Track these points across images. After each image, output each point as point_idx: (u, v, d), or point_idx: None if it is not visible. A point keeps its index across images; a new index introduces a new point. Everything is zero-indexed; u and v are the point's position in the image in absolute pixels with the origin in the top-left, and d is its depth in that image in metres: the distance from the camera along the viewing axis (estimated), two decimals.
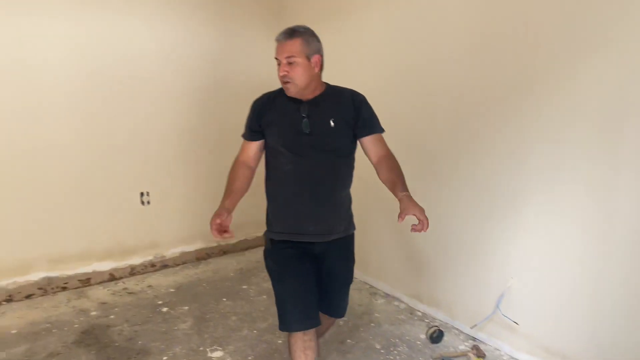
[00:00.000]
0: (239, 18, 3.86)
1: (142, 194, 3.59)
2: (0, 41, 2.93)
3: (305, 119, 1.89)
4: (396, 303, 3.17)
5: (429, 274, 2.96)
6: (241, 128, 2.04)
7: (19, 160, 3.09)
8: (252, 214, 4.12)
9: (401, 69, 2.98)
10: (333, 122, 1.90)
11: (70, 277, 3.40)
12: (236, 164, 2.04)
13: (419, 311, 3.05)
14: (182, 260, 3.86)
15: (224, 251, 4.09)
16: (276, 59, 1.88)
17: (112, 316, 3.01)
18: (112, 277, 3.57)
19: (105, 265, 3.54)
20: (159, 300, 3.23)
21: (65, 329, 2.85)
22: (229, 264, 3.81)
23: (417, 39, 2.84)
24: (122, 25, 3.32)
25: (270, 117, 1.95)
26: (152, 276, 3.64)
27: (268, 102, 1.99)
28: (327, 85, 2.00)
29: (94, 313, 3.05)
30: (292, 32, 1.86)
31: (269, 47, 3.91)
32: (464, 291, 2.76)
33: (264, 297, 3.27)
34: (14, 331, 2.83)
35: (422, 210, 1.75)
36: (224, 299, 3.22)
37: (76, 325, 2.89)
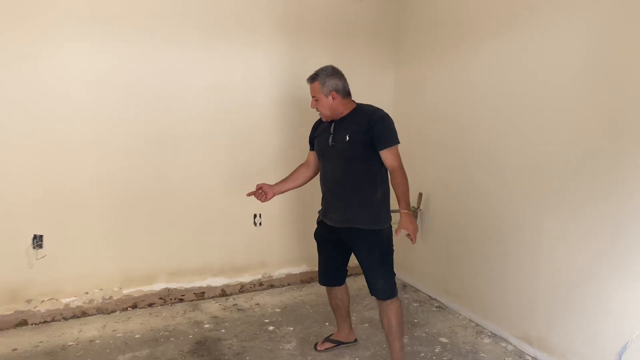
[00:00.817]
0: (356, 51, 3.99)
1: (255, 215, 3.80)
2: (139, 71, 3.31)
3: (331, 135, 2.58)
4: (503, 344, 3.02)
5: (542, 315, 2.79)
6: None
7: (152, 183, 3.45)
8: None
9: (514, 108, 2.89)
10: (348, 136, 2.49)
11: (187, 290, 3.66)
12: (301, 164, 2.89)
13: (528, 355, 2.88)
14: (288, 282, 4.00)
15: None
16: (311, 95, 2.59)
17: (222, 330, 3.19)
18: (224, 292, 3.78)
19: (219, 281, 3.77)
20: (266, 319, 3.36)
21: (182, 338, 3.07)
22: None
23: (533, 75, 2.75)
24: (248, 60, 3.60)
25: (317, 133, 2.75)
26: (259, 295, 3.80)
27: (318, 122, 2.79)
28: (357, 106, 2.62)
29: (207, 326, 3.25)
30: (314, 77, 2.57)
31: (386, 78, 4.10)
32: (580, 338, 2.57)
33: (366, 325, 3.28)
34: (137, 335, 3.10)
35: (415, 230, 2.39)
36: (327, 324, 3.28)
37: (191, 336, 3.10)
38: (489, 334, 3.15)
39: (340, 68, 3.86)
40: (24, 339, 3.04)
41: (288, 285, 4.00)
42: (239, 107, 3.63)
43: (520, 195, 2.89)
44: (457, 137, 3.41)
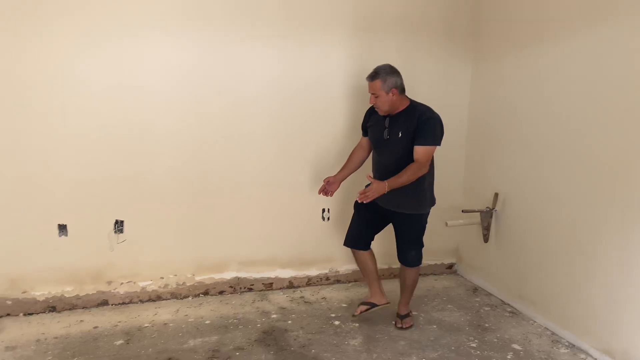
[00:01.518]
0: (431, 47, 3.88)
1: (323, 210, 3.80)
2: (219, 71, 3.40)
3: (386, 129, 2.92)
4: (582, 356, 2.84)
5: (628, 328, 2.59)
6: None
7: (225, 175, 3.55)
8: (425, 241, 4.11)
9: (604, 106, 2.69)
10: (401, 133, 2.85)
11: (256, 280, 3.74)
12: (355, 147, 3.28)
13: None
14: (354, 278, 3.97)
15: (394, 274, 4.10)
16: (370, 92, 2.86)
17: (289, 321, 3.22)
18: (291, 284, 3.83)
19: (286, 273, 3.82)
20: (332, 313, 3.36)
21: (250, 326, 3.13)
22: (399, 288, 3.79)
23: (627, 70, 2.55)
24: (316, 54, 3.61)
25: (370, 122, 3.09)
26: (325, 289, 3.81)
27: (371, 112, 3.10)
28: (411, 103, 2.92)
29: (274, 316, 3.30)
30: (374, 75, 2.83)
31: (462, 76, 3.96)
32: None
33: (434, 326, 3.19)
34: (207, 321, 3.20)
35: (379, 186, 2.76)
36: (394, 322, 3.23)
37: (259, 325, 3.16)
38: (567, 344, 2.97)
39: (413, 65, 3.84)
40: (105, 318, 3.22)
41: (355, 281, 3.97)
42: (310, 102, 3.64)
43: (607, 199, 2.68)
44: (537, 137, 3.23)
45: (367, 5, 3.65)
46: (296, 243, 3.80)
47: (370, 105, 2.98)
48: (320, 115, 3.68)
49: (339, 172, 3.26)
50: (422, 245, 3.12)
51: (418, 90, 3.83)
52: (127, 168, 3.31)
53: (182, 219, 3.50)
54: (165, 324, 3.16)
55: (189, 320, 3.22)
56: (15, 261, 3.19)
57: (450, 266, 4.30)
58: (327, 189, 3.25)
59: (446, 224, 3.71)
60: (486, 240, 3.75)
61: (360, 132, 3.27)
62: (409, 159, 2.83)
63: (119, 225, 3.35)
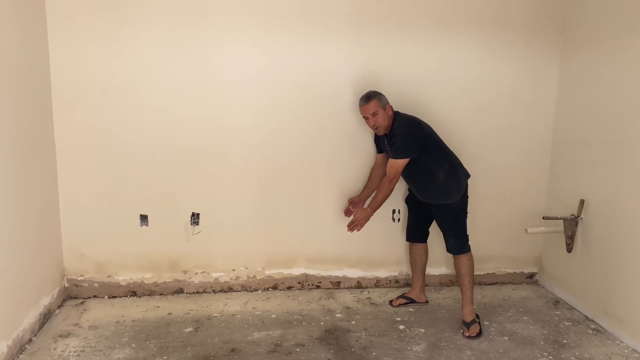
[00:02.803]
0: (514, 42, 3.67)
1: (394, 211, 3.73)
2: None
3: (387, 148, 3.17)
4: None
5: None
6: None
7: (296, 172, 3.60)
8: (503, 247, 3.91)
9: None
10: (389, 148, 3.13)
11: (324, 278, 3.75)
12: (373, 167, 3.55)
13: None
14: (425, 283, 3.85)
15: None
16: (364, 117, 3.11)
17: (353, 322, 3.20)
18: (359, 285, 3.80)
19: (355, 273, 3.79)
20: (398, 317, 3.29)
21: (313, 324, 3.15)
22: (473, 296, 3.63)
23: None
24: (397, 51, 3.54)
25: (380, 142, 3.34)
26: (394, 291, 3.73)
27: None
28: (396, 118, 3.13)
29: (338, 315, 3.29)
30: (368, 97, 3.07)
31: (549, 73, 3.70)
32: None
33: (505, 338, 3.02)
34: (273, 315, 3.26)
35: (362, 214, 3.16)
36: (461, 330, 3.09)
37: (322, 323, 3.16)
38: None
39: (494, 61, 3.65)
40: (179, 305, 3.39)
41: (426, 286, 3.85)
42: None
43: None
44: (630, 139, 2.94)
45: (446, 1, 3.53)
46: (365, 243, 3.76)
47: (370, 126, 3.14)
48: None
49: (362, 192, 3.53)
50: (463, 234, 3.17)
51: (500, 91, 3.69)
52: (204, 164, 3.46)
53: (255, 214, 3.59)
54: (233, 315, 3.26)
55: (256, 313, 3.30)
56: (103, 247, 3.45)
57: (531, 276, 4.04)
58: (352, 209, 3.48)
59: (526, 230, 3.50)
60: (570, 250, 3.48)
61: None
62: (412, 167, 3.06)
63: (195, 218, 3.50)
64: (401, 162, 3.03)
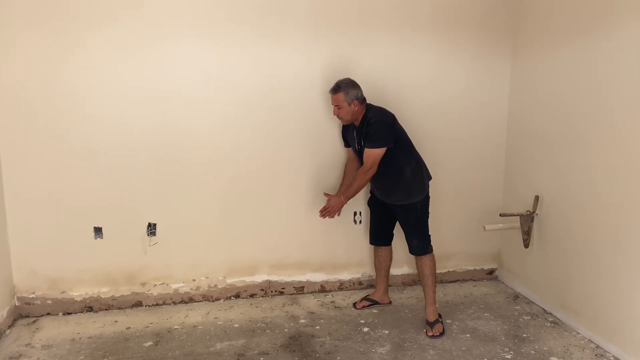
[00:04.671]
0: (466, 42, 3.73)
1: (355, 213, 3.73)
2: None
3: (356, 140, 3.20)
4: None
5: None
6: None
7: (257, 178, 3.54)
8: (463, 245, 3.97)
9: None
10: (363, 142, 3.09)
11: (287, 284, 3.72)
12: (346, 162, 3.54)
13: None
14: (389, 283, 3.86)
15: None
16: (333, 104, 3.12)
17: (317, 327, 3.17)
18: (323, 288, 3.78)
19: (318, 277, 3.77)
20: (362, 320, 3.29)
21: (277, 331, 3.11)
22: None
23: None
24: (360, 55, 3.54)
25: (348, 136, 3.34)
26: (358, 293, 3.73)
27: (346, 126, 3.32)
28: (368, 110, 3.12)
29: (302, 321, 3.26)
30: (337, 88, 3.06)
31: (501, 72, 3.78)
32: None
33: (468, 335, 3.06)
34: (236, 325, 3.20)
35: (335, 201, 3.16)
36: (424, 330, 3.12)
37: (286, 330, 3.13)
38: (612, 358, 2.77)
39: (450, 62, 3.70)
40: (138, 319, 3.28)
41: (389, 286, 3.86)
42: None
43: None
44: (582, 135, 3.02)
45: (395, 2, 3.55)
46: (328, 247, 3.75)
47: (334, 115, 3.20)
48: None
49: (339, 188, 3.48)
50: (426, 235, 3.21)
51: (454, 91, 3.74)
52: (160, 172, 3.37)
53: (215, 222, 3.52)
54: (195, 326, 3.19)
55: (218, 323, 3.23)
56: (55, 262, 3.31)
57: (491, 272, 4.12)
58: (326, 212, 3.31)
59: (484, 228, 3.55)
60: (527, 245, 3.56)
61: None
62: (385, 161, 3.04)
63: (151, 228, 3.41)
64: (378, 152, 2.99)
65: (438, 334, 3.05)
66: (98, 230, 3.34)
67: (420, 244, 3.18)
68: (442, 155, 3.77)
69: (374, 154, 3.00)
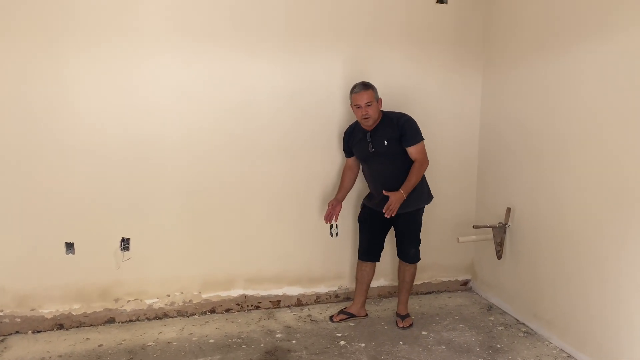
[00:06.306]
0: (440, 57, 3.80)
1: (331, 226, 3.74)
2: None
3: (369, 143, 3.17)
4: None
5: None
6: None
7: (232, 191, 3.52)
8: (437, 256, 4.01)
9: (620, 115, 2.57)
10: (386, 142, 3.12)
11: (263, 298, 3.69)
12: (344, 169, 3.50)
13: None
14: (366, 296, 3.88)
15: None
16: (357, 105, 3.07)
17: (294, 341, 3.16)
18: (299, 302, 3.77)
19: (295, 291, 3.76)
20: (338, 333, 3.28)
21: (253, 346, 3.08)
22: (410, 306, 3.69)
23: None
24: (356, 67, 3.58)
25: (352, 142, 3.32)
26: (334, 307, 3.73)
27: (350, 132, 3.36)
28: (384, 114, 3.19)
29: (279, 335, 3.24)
30: (367, 85, 3.07)
31: (473, 86, 3.85)
32: None
33: (443, 347, 3.08)
34: (211, 340, 3.16)
35: (397, 196, 3.01)
36: (401, 342, 3.13)
37: (262, 345, 3.10)
38: None
39: (423, 76, 3.77)
40: (110, 336, 3.22)
41: (365, 299, 3.88)
42: (315, 117, 3.60)
43: (624, 213, 2.55)
44: (549, 148, 3.11)
45: (371, 15, 3.60)
46: (304, 260, 3.75)
47: (350, 125, 3.36)
48: (328, 130, 3.64)
49: (337, 193, 3.48)
50: (420, 242, 3.38)
51: (427, 102, 3.80)
52: (134, 186, 3.33)
53: (190, 236, 3.49)
54: (169, 342, 3.14)
55: (193, 339, 3.19)
56: (24, 279, 3.23)
57: (465, 283, 4.17)
58: (332, 212, 3.43)
59: (458, 240, 3.60)
60: (499, 256, 3.62)
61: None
62: (400, 162, 3.14)
63: (125, 243, 3.36)
64: (423, 144, 3.14)
65: (408, 325, 3.35)
66: (70, 246, 3.27)
67: (416, 252, 3.35)
68: None
69: (421, 147, 3.13)
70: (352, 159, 3.42)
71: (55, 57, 3.09)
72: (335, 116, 3.63)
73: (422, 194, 3.25)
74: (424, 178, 3.25)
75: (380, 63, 3.66)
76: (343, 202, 3.50)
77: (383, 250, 3.47)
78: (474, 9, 3.80)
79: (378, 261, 3.48)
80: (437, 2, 3.71)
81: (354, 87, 3.10)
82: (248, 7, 3.36)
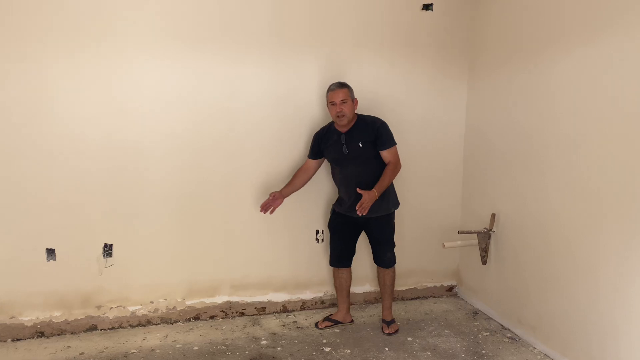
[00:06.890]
0: (425, 64, 3.82)
1: (317, 232, 3.73)
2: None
3: (343, 145, 3.19)
4: None
5: (630, 356, 2.47)
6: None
7: (217, 197, 3.50)
8: (423, 262, 4.02)
9: (602, 121, 2.60)
10: (361, 144, 3.15)
11: (248, 304, 3.66)
12: (300, 169, 3.44)
13: None
14: (350, 302, 3.87)
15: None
16: (332, 102, 3.11)
17: (279, 348, 3.13)
18: (285, 309, 3.74)
19: (280, 297, 3.73)
20: (324, 339, 3.27)
21: (237, 353, 3.05)
22: (396, 312, 3.69)
23: (624, 85, 2.46)
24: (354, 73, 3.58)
25: (325, 145, 3.30)
26: (320, 313, 3.72)
27: (323, 134, 3.34)
28: (358, 117, 3.24)
29: (264, 342, 3.22)
30: (343, 84, 3.15)
31: (459, 92, 3.88)
32: None
33: (428, 353, 3.08)
34: (195, 348, 3.13)
35: (370, 195, 3.01)
36: (387, 349, 3.13)
37: (247, 352, 3.07)
38: None
39: (408, 82, 3.78)
40: (92, 344, 3.17)
41: (351, 305, 3.86)
42: (301, 121, 3.59)
43: (608, 220, 2.57)
44: (535, 155, 3.13)
45: (354, 23, 3.61)
46: (290, 266, 3.73)
47: (322, 127, 3.38)
48: (310, 134, 3.62)
49: (284, 188, 3.40)
50: (395, 245, 3.40)
51: (413, 108, 3.81)
52: (117, 191, 3.28)
53: (175, 242, 3.45)
54: (153, 350, 3.09)
55: (177, 346, 3.15)
56: (4, 286, 3.16)
57: (451, 288, 4.18)
58: (271, 203, 3.35)
59: (443, 245, 3.61)
60: (484, 262, 3.64)
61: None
62: (373, 165, 3.18)
63: (107, 249, 3.31)
64: (396, 148, 3.21)
65: (393, 331, 3.35)
66: (51, 252, 3.21)
67: (392, 256, 3.38)
68: (401, 173, 3.80)
69: (395, 151, 3.20)
70: (313, 162, 3.40)
71: (35, 62, 3.04)
72: (321, 121, 3.62)
73: (390, 200, 3.28)
74: (392, 184, 3.27)
75: (365, 69, 3.66)
76: (328, 209, 3.52)
77: (355, 255, 3.52)
78: (458, 16, 3.83)
79: (350, 266, 3.50)
80: (422, 9, 3.73)
81: (331, 85, 3.17)
82: (234, 13, 3.35)
